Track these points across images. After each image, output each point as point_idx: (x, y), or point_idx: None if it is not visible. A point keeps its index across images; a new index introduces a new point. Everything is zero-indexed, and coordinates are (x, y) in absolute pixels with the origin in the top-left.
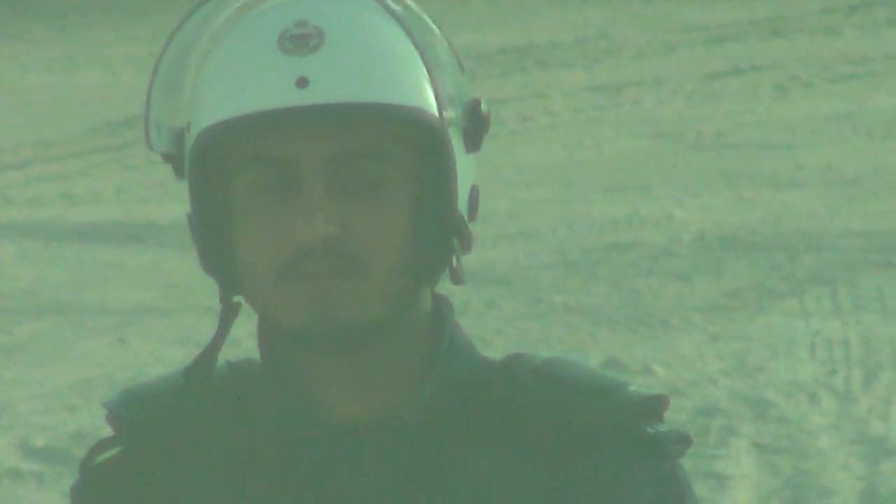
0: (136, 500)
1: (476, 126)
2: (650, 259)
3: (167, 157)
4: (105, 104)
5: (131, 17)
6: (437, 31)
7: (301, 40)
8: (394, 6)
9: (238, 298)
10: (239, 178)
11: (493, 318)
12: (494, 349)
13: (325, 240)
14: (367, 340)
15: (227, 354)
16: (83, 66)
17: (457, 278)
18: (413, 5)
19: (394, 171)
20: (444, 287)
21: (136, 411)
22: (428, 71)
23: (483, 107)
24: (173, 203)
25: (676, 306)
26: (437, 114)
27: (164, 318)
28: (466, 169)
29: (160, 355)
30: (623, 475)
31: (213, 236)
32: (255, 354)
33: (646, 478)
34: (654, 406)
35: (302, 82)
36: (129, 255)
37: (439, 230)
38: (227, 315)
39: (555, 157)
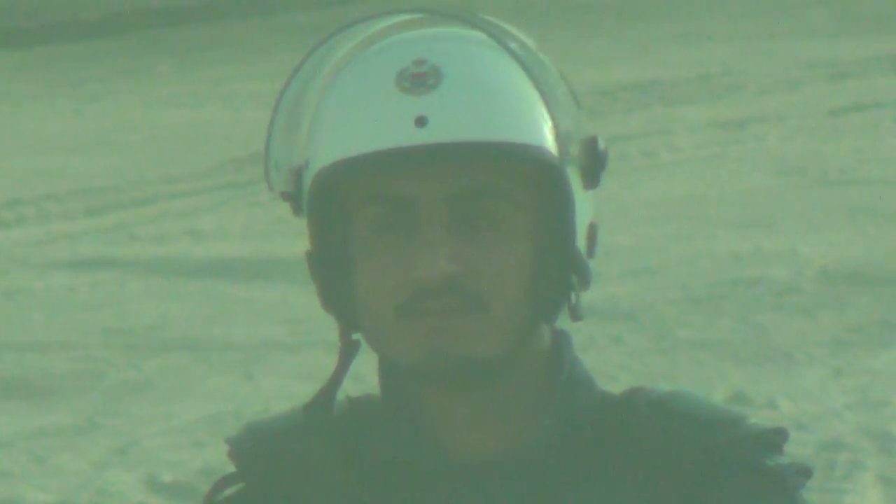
0: None
1: (594, 163)
2: (774, 294)
3: (286, 196)
4: (229, 140)
5: (255, 52)
6: (553, 68)
7: (419, 79)
8: (510, 44)
9: (357, 336)
10: (358, 216)
11: (618, 354)
12: (619, 384)
13: (446, 277)
14: (487, 377)
15: (350, 389)
16: (207, 102)
17: (575, 315)
18: (530, 43)
19: (513, 208)
20: (568, 323)
21: (258, 448)
22: (546, 108)
23: (600, 144)
24: (299, 239)
25: (801, 341)
26: (555, 151)
27: (290, 353)
28: (584, 206)
29: (286, 391)
30: None
31: (332, 274)
32: (377, 389)
33: None
34: (774, 439)
35: (421, 121)
36: (256, 291)
37: (558, 267)
38: (347, 352)
39: (678, 192)
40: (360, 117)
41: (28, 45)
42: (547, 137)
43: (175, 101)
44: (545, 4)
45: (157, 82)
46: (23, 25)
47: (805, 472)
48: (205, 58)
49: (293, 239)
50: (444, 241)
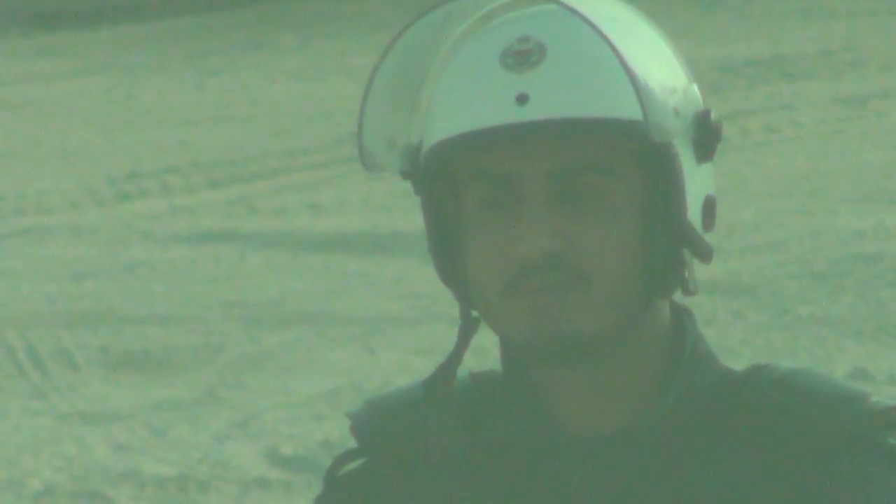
0: None
1: (706, 136)
2: None
3: (405, 175)
4: (350, 114)
5: (376, 26)
6: (662, 43)
7: (522, 56)
8: (607, 25)
9: (476, 313)
10: (467, 193)
11: (740, 329)
12: (741, 360)
13: (549, 255)
14: (596, 353)
15: (473, 364)
16: (328, 76)
17: (688, 289)
18: (637, 19)
19: (616, 183)
20: (689, 298)
21: (380, 423)
22: (636, 84)
23: (713, 116)
24: (419, 213)
25: None
26: (659, 125)
27: (410, 327)
28: (698, 179)
29: (407, 365)
30: (863, 486)
31: (446, 251)
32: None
33: (886, 489)
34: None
35: (522, 98)
36: (376, 265)
37: (667, 241)
38: (467, 329)
39: (800, 168)
40: (466, 96)
41: (149, 19)
42: (653, 111)
43: (297, 74)
44: None
45: (278, 56)
46: None
47: None
48: (327, 31)
49: (413, 213)
50: (546, 219)
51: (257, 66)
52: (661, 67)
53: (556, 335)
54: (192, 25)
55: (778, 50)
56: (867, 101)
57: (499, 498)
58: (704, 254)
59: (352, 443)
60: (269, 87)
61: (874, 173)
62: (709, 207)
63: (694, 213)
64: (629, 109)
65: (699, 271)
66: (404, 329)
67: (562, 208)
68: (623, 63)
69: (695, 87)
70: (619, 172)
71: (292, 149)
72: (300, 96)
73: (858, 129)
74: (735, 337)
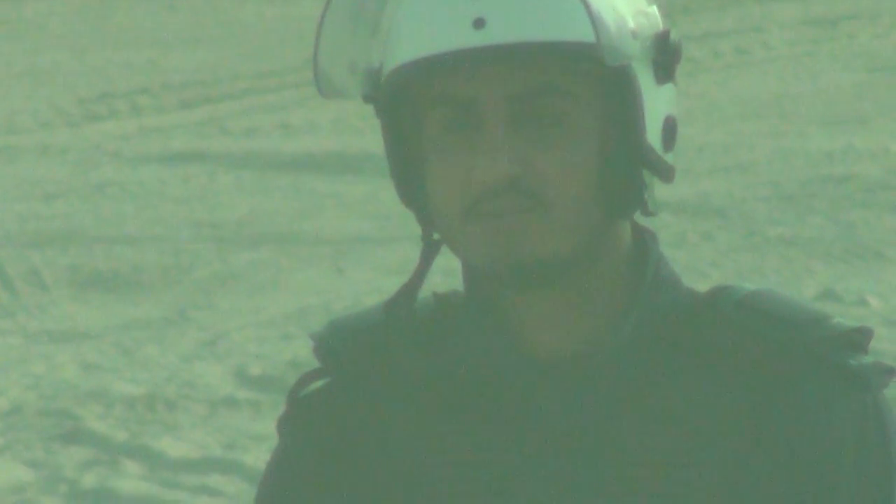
0: (341, 431)
1: (666, 57)
2: (865, 191)
3: (366, 98)
4: None
5: None
6: None
7: None
8: None
9: (438, 235)
10: (428, 117)
11: (709, 251)
12: (710, 281)
13: (508, 178)
14: (557, 275)
15: (440, 284)
16: None
17: (647, 210)
18: None
19: (574, 106)
20: (661, 219)
21: (343, 344)
22: (588, 7)
23: (672, 36)
24: None
25: (891, 238)
26: (615, 47)
27: (380, 247)
28: (658, 100)
29: (376, 284)
30: (825, 407)
31: (407, 175)
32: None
33: (848, 410)
34: (858, 338)
35: (479, 23)
36: (346, 185)
37: (627, 163)
38: (429, 251)
39: (770, 90)
40: (425, 20)
41: None
42: (607, 34)
43: None
44: None
45: None
46: None
47: (889, 372)
48: None
49: None
50: (505, 142)
51: None
52: None
53: (516, 259)
54: None
55: None
56: (837, 22)
57: (462, 418)
58: (666, 174)
59: (316, 363)
60: (241, 8)
61: (844, 95)
62: (669, 128)
63: (653, 134)
64: (584, 32)
65: (668, 192)
66: (374, 249)
67: (521, 132)
68: None
69: (654, 8)
70: (578, 95)
71: (263, 70)
72: (271, 18)
73: (828, 51)
74: (704, 258)
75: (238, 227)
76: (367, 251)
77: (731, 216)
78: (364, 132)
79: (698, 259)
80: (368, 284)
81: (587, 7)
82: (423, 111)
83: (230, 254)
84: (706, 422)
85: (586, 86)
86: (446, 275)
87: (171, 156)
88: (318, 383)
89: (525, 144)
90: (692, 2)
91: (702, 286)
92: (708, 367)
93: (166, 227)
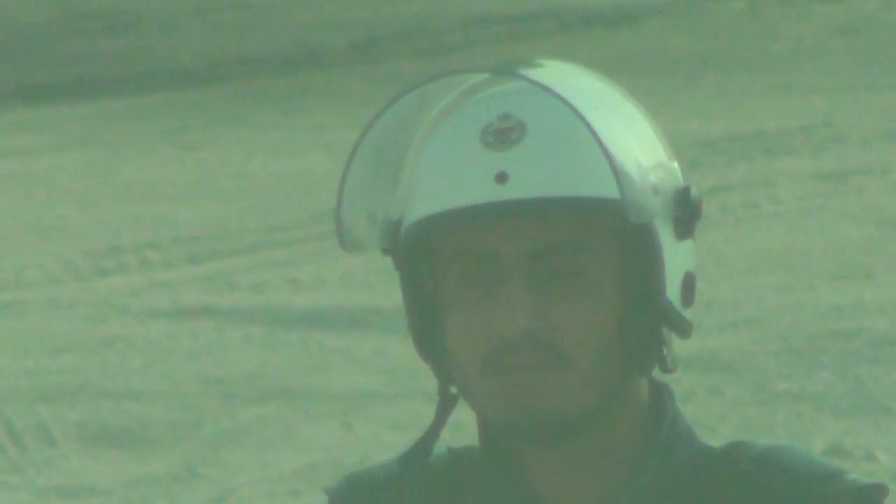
0: None
1: (686, 213)
2: (874, 346)
3: (385, 251)
4: (329, 190)
5: (356, 102)
6: (642, 119)
7: (503, 134)
8: (585, 103)
9: (455, 389)
10: (447, 271)
11: (717, 405)
12: (718, 436)
13: (527, 333)
14: (576, 431)
15: (450, 440)
16: (308, 151)
17: (666, 367)
18: (616, 96)
19: (594, 262)
20: (670, 375)
21: (357, 498)
22: (613, 163)
23: (693, 193)
24: (397, 288)
25: None
26: (638, 203)
27: (388, 403)
28: (677, 256)
29: (385, 440)
30: None
31: (425, 328)
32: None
33: None
34: (874, 495)
35: (501, 177)
36: (354, 341)
37: (646, 319)
38: (445, 405)
39: (779, 243)
40: (446, 173)
41: (128, 94)
42: (631, 190)
43: (276, 150)
44: (647, 56)
45: (258, 131)
46: (123, 74)
47: None
48: (306, 106)
49: (392, 288)
50: (524, 297)
51: (237, 141)
52: (639, 144)
53: (535, 415)
54: (172, 100)
55: (758, 126)
56: (847, 177)
57: None
58: (684, 330)
59: None
60: (249, 162)
61: (853, 249)
62: (688, 284)
63: (673, 290)
64: (607, 188)
65: (677, 347)
66: (382, 405)
67: (540, 287)
68: (599, 142)
69: (675, 164)
70: (598, 251)
71: (271, 224)
72: (279, 172)
73: (838, 206)
74: (713, 413)
75: (246, 382)
76: (375, 407)
77: (739, 371)
78: (373, 287)
79: (706, 413)
80: (377, 440)
81: (611, 162)
82: (442, 264)
83: (238, 409)
84: None
85: (606, 241)
86: (456, 430)
87: (180, 310)
88: None
89: (543, 299)
90: (700, 155)
91: (711, 441)
92: None
93: (174, 382)
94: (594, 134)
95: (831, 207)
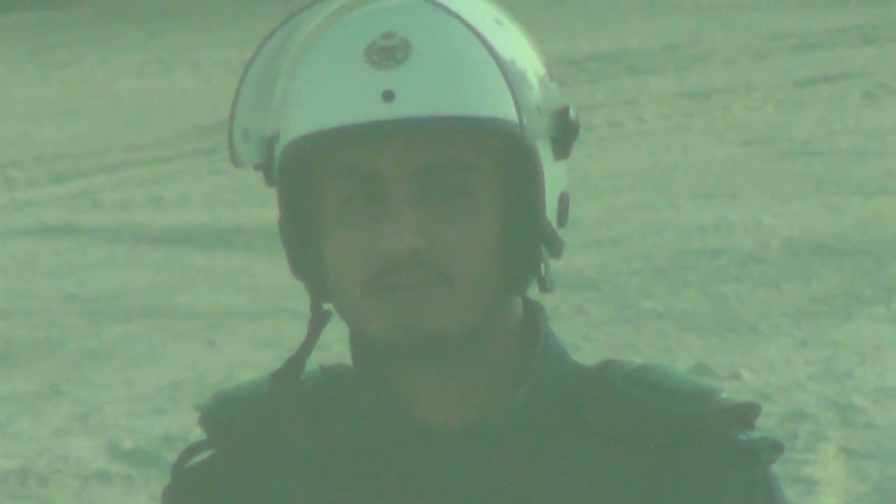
0: (228, 503)
1: (564, 133)
2: (738, 265)
3: (258, 167)
4: (195, 108)
5: (222, 21)
6: (524, 38)
7: (388, 52)
8: (476, 19)
9: (328, 306)
10: (328, 188)
11: (582, 324)
12: (583, 354)
13: (412, 251)
14: (456, 349)
15: (316, 358)
16: (173, 70)
17: (545, 286)
18: (499, 15)
19: (480, 181)
20: (534, 293)
21: (229, 415)
22: (509, 82)
23: (571, 114)
24: (262, 207)
25: (765, 312)
26: (522, 124)
27: (252, 321)
28: (555, 176)
29: (249, 359)
30: (715, 480)
31: (302, 244)
32: (346, 359)
33: (737, 483)
34: (746, 413)
35: (388, 96)
36: (218, 259)
37: (527, 238)
38: (317, 322)
39: (644, 163)
40: (329, 91)
41: None
42: (512, 110)
43: (141, 68)
44: None
45: (123, 50)
46: None
47: (777, 447)
48: (172, 25)
49: (256, 207)
50: (409, 216)
51: (101, 60)
52: (526, 63)
53: (418, 332)
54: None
55: (622, 44)
56: (711, 95)
57: (349, 490)
58: (557, 250)
59: (198, 435)
60: (114, 81)
61: (717, 168)
62: (564, 204)
63: (550, 211)
64: (499, 108)
65: None
66: (246, 323)
67: (426, 206)
68: (497, 61)
69: (554, 83)
70: (483, 170)
71: (135, 143)
72: (144, 90)
73: (702, 124)
74: (578, 332)
75: (110, 300)
76: (239, 325)
77: (603, 289)
78: (237, 206)
79: (572, 332)
80: (241, 358)
81: (508, 83)
82: (323, 181)
83: (102, 327)
84: (596, 494)
85: (490, 161)
86: (321, 349)
87: (43, 229)
88: (204, 455)
89: (429, 218)
90: (565, 74)
91: (577, 359)
92: (597, 439)
93: (37, 300)
94: (491, 52)
95: (695, 126)
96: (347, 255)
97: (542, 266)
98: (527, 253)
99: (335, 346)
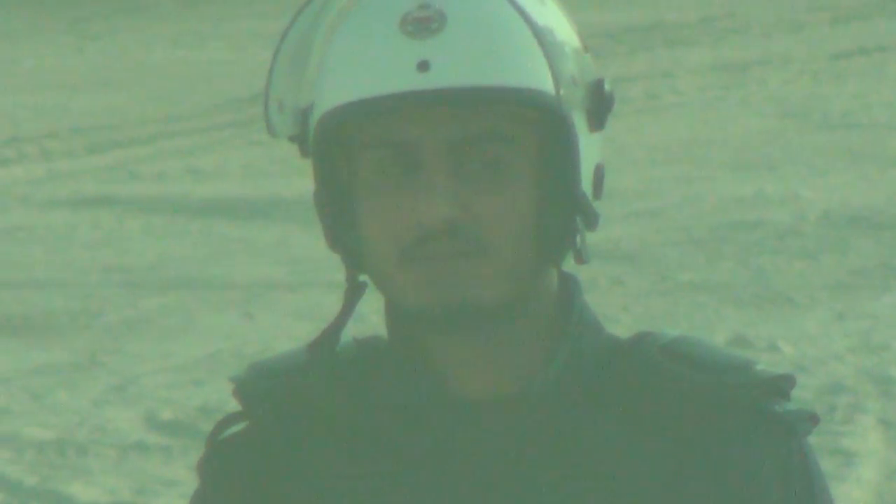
0: (262, 474)
1: (599, 105)
2: (776, 237)
3: (292, 138)
4: (231, 79)
5: None
6: (559, 10)
7: (423, 23)
8: None
9: (364, 277)
10: (363, 159)
11: (620, 296)
12: (621, 326)
13: (447, 221)
14: (491, 321)
15: (352, 331)
16: (209, 41)
17: (581, 257)
18: None
19: (515, 152)
20: (570, 265)
21: (263, 386)
22: (546, 53)
23: (606, 86)
24: (299, 178)
25: (802, 284)
26: (558, 95)
27: (289, 292)
28: (591, 148)
29: (286, 330)
30: (751, 452)
31: (337, 215)
32: (382, 331)
33: (774, 455)
34: (782, 385)
35: (423, 66)
36: (255, 231)
37: (563, 210)
38: (353, 293)
39: (681, 135)
40: (364, 61)
41: None
42: (549, 81)
43: (177, 39)
44: None
45: (159, 21)
46: None
47: (812, 419)
48: None
49: (293, 179)
50: (445, 186)
51: (137, 30)
52: (563, 35)
53: (454, 303)
54: None
55: (659, 17)
56: (748, 68)
57: (383, 462)
58: (592, 222)
59: (233, 406)
60: (150, 52)
61: (754, 140)
62: (599, 176)
63: (586, 182)
64: (529, 79)
65: None
66: (283, 294)
67: (462, 177)
68: (535, 32)
69: (588, 56)
70: (518, 141)
71: (172, 114)
72: (180, 62)
73: (738, 96)
74: (615, 303)
75: (148, 271)
76: (276, 296)
77: (641, 261)
78: (274, 177)
79: (609, 304)
80: (278, 329)
81: (545, 54)
82: (358, 152)
83: (140, 299)
84: (630, 465)
85: (526, 132)
86: (358, 321)
87: (81, 200)
88: (239, 426)
89: (464, 189)
90: (601, 47)
91: (614, 331)
92: (633, 411)
93: (76, 271)
94: (528, 22)
95: (732, 99)
96: (382, 226)
97: (578, 238)
98: (562, 225)
99: (371, 317)
